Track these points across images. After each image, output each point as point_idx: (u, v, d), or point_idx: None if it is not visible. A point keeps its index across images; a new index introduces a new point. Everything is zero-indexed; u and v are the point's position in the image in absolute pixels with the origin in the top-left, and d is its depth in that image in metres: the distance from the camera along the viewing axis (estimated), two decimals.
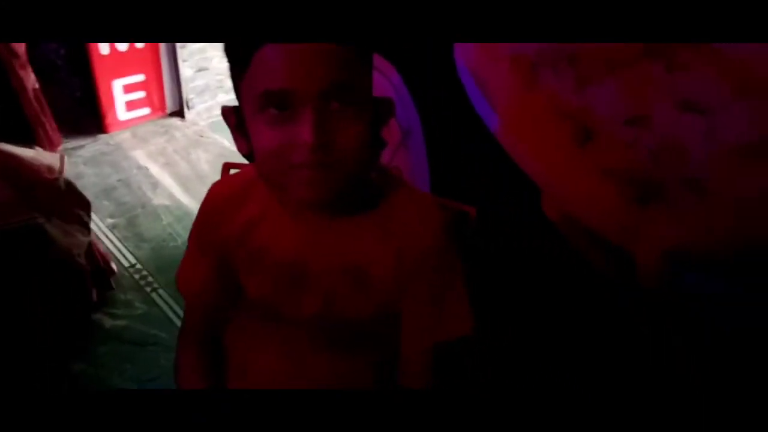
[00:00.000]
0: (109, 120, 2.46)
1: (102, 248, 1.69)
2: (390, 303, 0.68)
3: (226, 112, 0.63)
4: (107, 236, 1.91)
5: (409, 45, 1.10)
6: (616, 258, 0.85)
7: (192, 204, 2.08)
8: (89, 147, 2.36)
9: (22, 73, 1.57)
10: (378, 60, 1.18)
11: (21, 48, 1.60)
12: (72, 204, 1.42)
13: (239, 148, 0.64)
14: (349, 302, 0.67)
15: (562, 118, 0.81)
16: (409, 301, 0.68)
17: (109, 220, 1.97)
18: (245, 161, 0.65)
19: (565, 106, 0.80)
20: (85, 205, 1.46)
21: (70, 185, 1.40)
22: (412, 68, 1.13)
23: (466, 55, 0.96)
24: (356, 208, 0.66)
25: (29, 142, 1.41)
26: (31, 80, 1.55)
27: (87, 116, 2.45)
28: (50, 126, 1.49)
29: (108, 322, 1.59)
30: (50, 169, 1.36)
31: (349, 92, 0.57)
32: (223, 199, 0.72)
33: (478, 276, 0.84)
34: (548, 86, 0.83)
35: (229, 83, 0.64)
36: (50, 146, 1.49)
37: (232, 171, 0.92)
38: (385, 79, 1.17)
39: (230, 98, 2.45)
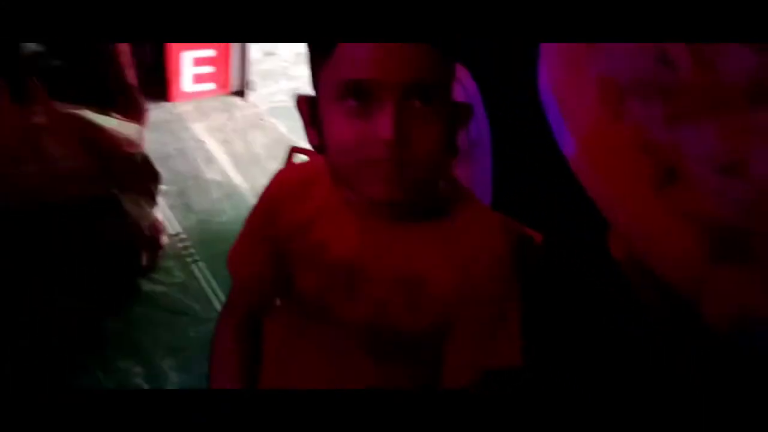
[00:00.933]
0: (174, 89, 2.50)
1: (160, 219, 1.71)
2: (442, 320, 0.65)
3: (301, 101, 0.62)
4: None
5: (490, 52, 1.07)
6: (679, 307, 0.81)
7: (242, 183, 2.10)
8: (152, 113, 2.39)
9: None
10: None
11: None
12: (145, 177, 1.46)
13: (310, 140, 0.62)
14: (401, 314, 0.65)
15: (647, 153, 0.77)
16: (462, 324, 0.65)
17: (162, 187, 2.01)
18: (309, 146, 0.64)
19: (652, 141, 0.77)
20: (155, 179, 1.49)
21: (145, 158, 1.43)
22: (489, 78, 1.10)
23: (551, 73, 0.93)
24: (421, 216, 0.64)
25: (112, 107, 1.43)
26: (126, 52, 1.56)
27: (153, 83, 2.51)
28: (139, 96, 1.52)
29: (146, 286, 1.61)
30: (129, 142, 1.40)
31: (432, 91, 0.55)
32: (286, 188, 0.71)
33: (532, 306, 0.81)
34: (635, 117, 0.79)
35: (293, 71, 0.63)
36: (137, 117, 1.50)
37: (297, 155, 0.91)
38: (459, 85, 1.15)
39: (292, 86, 2.48)
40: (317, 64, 0.58)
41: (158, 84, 2.49)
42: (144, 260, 1.59)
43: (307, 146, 0.66)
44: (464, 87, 1.11)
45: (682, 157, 0.74)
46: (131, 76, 1.48)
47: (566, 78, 0.88)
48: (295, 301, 0.71)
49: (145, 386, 1.36)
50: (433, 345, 0.67)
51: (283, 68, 2.88)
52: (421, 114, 0.55)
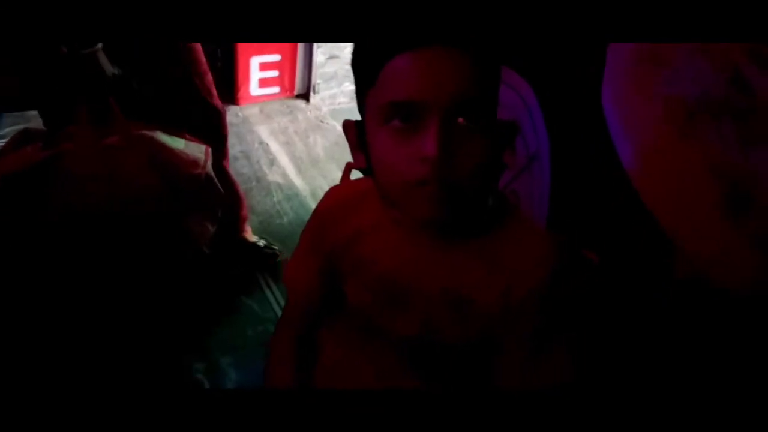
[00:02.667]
0: (241, 93, 2.59)
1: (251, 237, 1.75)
2: (488, 336, 0.65)
3: (347, 125, 0.63)
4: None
5: (551, 65, 1.05)
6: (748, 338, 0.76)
7: (302, 185, 2.15)
8: None
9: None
10: (513, 77, 1.14)
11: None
12: (209, 197, 1.50)
13: (357, 163, 0.64)
14: (447, 329, 0.65)
15: (717, 176, 0.73)
16: (510, 341, 0.65)
17: None
18: None
19: (723, 164, 0.72)
20: (219, 199, 1.53)
21: (210, 179, 1.46)
22: (550, 91, 1.07)
23: (615, 88, 0.90)
24: (468, 234, 0.64)
25: (181, 128, 1.47)
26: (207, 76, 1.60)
27: (223, 87, 2.60)
28: (217, 102, 1.57)
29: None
30: (195, 163, 1.43)
31: (476, 108, 0.55)
32: (339, 204, 0.72)
33: (588, 328, 0.78)
34: (706, 138, 0.75)
35: None
36: (216, 138, 1.54)
37: (354, 171, 0.93)
38: (519, 98, 1.12)
39: (354, 89, 2.43)
40: (363, 88, 0.60)
41: (228, 87, 2.59)
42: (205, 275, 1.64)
43: None
44: (524, 100, 1.09)
45: (757, 183, 0.70)
46: (209, 88, 1.53)
47: (631, 93, 0.85)
48: (347, 314, 0.72)
49: (206, 382, 1.42)
50: (480, 363, 0.67)
51: (346, 71, 2.92)
52: (466, 131, 0.55)
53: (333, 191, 0.74)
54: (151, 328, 1.50)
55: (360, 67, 0.60)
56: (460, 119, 0.54)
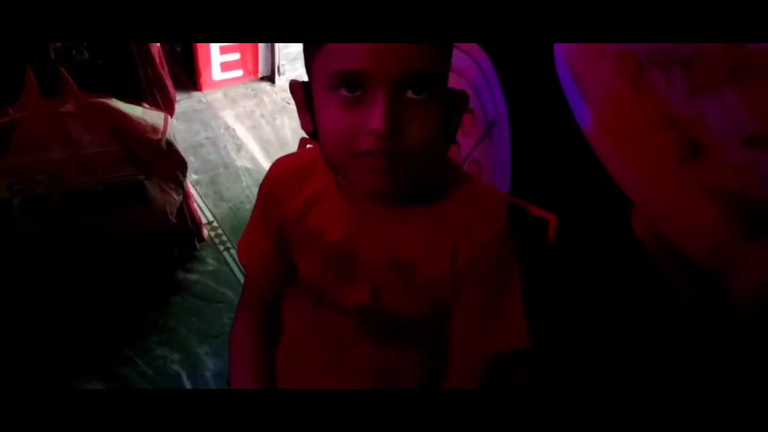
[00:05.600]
0: (203, 78, 2.53)
1: (196, 210, 1.75)
2: (439, 302, 0.65)
3: (294, 86, 0.62)
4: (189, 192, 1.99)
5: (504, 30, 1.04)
6: (704, 286, 0.77)
7: None
8: (183, 103, 2.44)
9: None
10: (468, 44, 1.12)
11: None
12: (171, 164, 1.49)
13: (303, 126, 0.62)
14: (397, 297, 0.65)
15: (668, 127, 0.73)
16: (460, 305, 0.65)
17: (194, 176, 2.05)
18: None
19: (673, 114, 0.72)
20: (182, 166, 1.52)
21: (171, 146, 1.46)
22: (504, 54, 1.06)
23: (566, 47, 0.89)
24: (415, 201, 0.63)
25: (138, 99, 1.47)
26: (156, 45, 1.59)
27: (183, 73, 2.54)
28: (170, 87, 1.55)
29: (181, 275, 1.66)
30: (155, 129, 1.43)
31: (425, 81, 0.54)
32: (285, 175, 0.71)
33: (547, 289, 0.78)
34: (655, 90, 0.75)
35: None
36: (168, 107, 1.54)
37: (308, 146, 0.91)
38: (474, 64, 1.11)
39: None
40: (310, 54, 0.58)
41: (188, 74, 2.53)
42: (174, 248, 1.63)
43: None
44: (479, 65, 1.08)
45: (706, 130, 0.70)
46: (161, 67, 1.51)
47: (582, 51, 0.84)
48: (301, 287, 0.72)
49: (183, 372, 1.41)
50: (435, 330, 0.67)
51: None
52: (414, 104, 0.54)
53: (278, 163, 0.73)
54: (115, 310, 1.49)
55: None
56: (408, 91, 0.53)
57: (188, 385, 1.38)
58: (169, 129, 1.47)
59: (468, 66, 1.11)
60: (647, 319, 0.85)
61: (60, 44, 1.36)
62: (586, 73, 0.85)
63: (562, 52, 0.89)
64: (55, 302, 1.47)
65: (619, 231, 0.84)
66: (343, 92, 0.54)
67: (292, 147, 2.26)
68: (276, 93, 2.59)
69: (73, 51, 1.40)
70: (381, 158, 0.54)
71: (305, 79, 0.61)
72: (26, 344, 1.40)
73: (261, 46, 2.59)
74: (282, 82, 2.65)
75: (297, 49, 2.83)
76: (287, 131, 2.35)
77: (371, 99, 0.53)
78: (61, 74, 1.32)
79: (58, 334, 1.44)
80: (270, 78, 2.67)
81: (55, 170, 1.35)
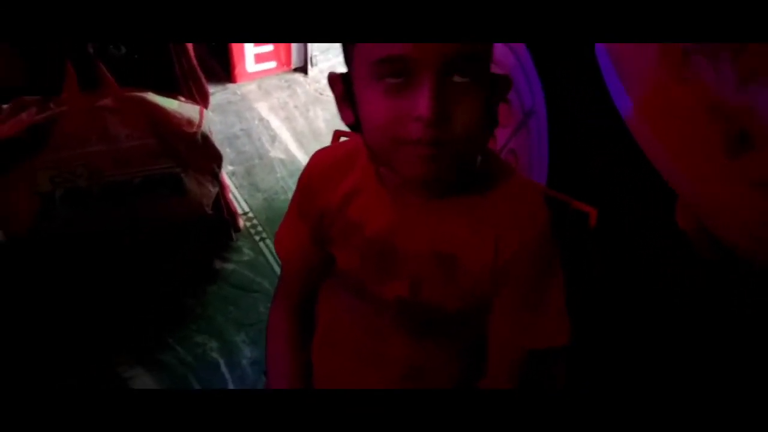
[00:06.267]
0: (238, 71, 2.56)
1: (231, 201, 1.78)
2: (480, 297, 0.64)
3: (333, 78, 0.61)
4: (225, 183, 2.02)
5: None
6: (754, 284, 0.74)
7: (305, 160, 2.12)
8: (218, 95, 2.48)
9: None
10: None
11: None
12: (206, 156, 1.51)
13: (344, 118, 0.62)
14: (437, 290, 0.64)
15: (715, 117, 0.70)
16: (501, 299, 0.64)
17: (229, 168, 2.08)
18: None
19: (721, 104, 0.69)
20: (217, 158, 1.55)
21: (206, 138, 1.48)
22: (543, 44, 1.04)
23: None
24: (457, 192, 0.62)
25: (174, 92, 1.50)
26: None
27: (218, 65, 2.57)
28: (203, 81, 1.57)
29: (218, 264, 1.69)
30: (190, 122, 1.45)
31: (471, 64, 0.53)
32: (324, 167, 0.71)
33: (587, 284, 0.77)
34: (702, 78, 0.72)
35: None
36: (203, 99, 1.56)
37: (342, 139, 0.91)
38: (511, 52, 1.09)
39: None
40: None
41: (223, 66, 2.56)
42: (211, 238, 1.67)
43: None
44: (517, 55, 1.06)
45: (757, 121, 0.67)
46: (195, 60, 1.53)
47: None
48: (339, 279, 0.72)
49: (221, 360, 1.44)
50: (471, 324, 0.66)
51: None
52: (459, 89, 0.53)
53: (318, 155, 0.73)
54: (155, 299, 1.53)
55: None
56: (455, 75, 0.52)
57: (226, 373, 1.41)
58: (204, 122, 1.49)
59: (504, 54, 1.09)
60: (692, 317, 0.82)
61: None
62: (628, 60, 0.82)
63: None
64: (97, 291, 1.52)
65: (662, 224, 0.82)
66: (388, 79, 0.53)
67: (326, 138, 2.27)
68: (309, 84, 2.60)
69: (111, 46, 1.44)
70: (427, 145, 0.53)
71: (338, 70, 0.60)
72: (72, 332, 1.46)
73: None
74: (314, 73, 2.65)
75: None
76: (320, 122, 2.36)
77: (417, 84, 0.52)
78: (99, 69, 1.35)
79: (102, 323, 1.49)
80: (303, 69, 2.68)
81: (93, 163, 1.38)
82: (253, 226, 1.85)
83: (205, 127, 1.48)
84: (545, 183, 1.03)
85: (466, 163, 0.58)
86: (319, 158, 0.72)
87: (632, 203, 0.88)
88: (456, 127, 0.53)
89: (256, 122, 2.35)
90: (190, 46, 1.51)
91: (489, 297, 0.64)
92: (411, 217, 0.64)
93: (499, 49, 1.11)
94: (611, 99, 0.86)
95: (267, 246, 1.77)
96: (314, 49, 2.64)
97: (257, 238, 1.80)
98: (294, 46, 2.63)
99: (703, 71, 0.71)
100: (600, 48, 0.85)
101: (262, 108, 2.44)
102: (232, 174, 2.05)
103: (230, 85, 2.55)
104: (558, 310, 0.63)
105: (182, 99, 1.50)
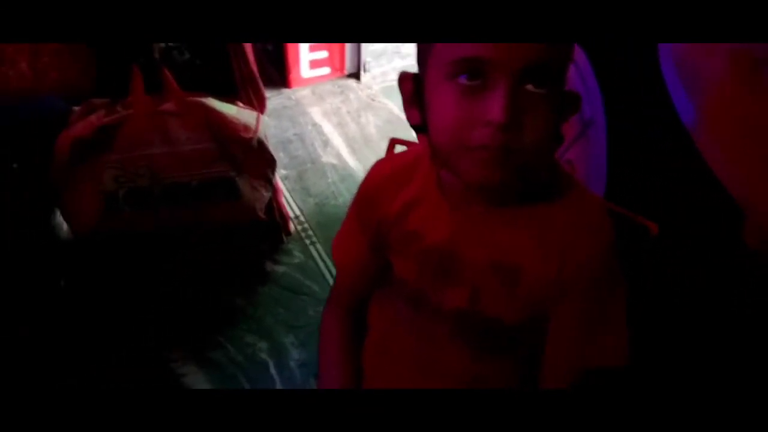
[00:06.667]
0: (293, 76, 2.61)
1: (284, 204, 1.81)
2: (539, 309, 0.63)
3: (404, 78, 0.60)
4: (278, 186, 2.06)
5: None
6: None
7: (356, 165, 2.16)
8: (273, 100, 2.53)
9: None
10: None
11: None
12: (261, 162, 1.55)
13: (410, 119, 0.61)
14: (497, 301, 0.64)
15: None
16: (561, 314, 0.62)
17: (282, 172, 2.12)
18: (411, 137, 0.63)
19: None
20: (271, 163, 1.58)
21: (261, 144, 1.52)
22: (603, 52, 1.01)
23: (673, 44, 0.83)
24: (519, 202, 0.61)
25: (233, 97, 1.55)
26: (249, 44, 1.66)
27: (274, 71, 2.63)
28: (261, 87, 1.62)
29: (269, 266, 1.73)
30: (247, 128, 1.49)
31: (547, 75, 0.52)
32: (384, 177, 0.71)
33: (646, 303, 0.74)
34: None
35: (406, 49, 0.61)
36: (260, 104, 1.61)
37: (398, 147, 0.91)
38: (572, 63, 1.07)
39: (405, 64, 2.45)
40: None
41: (279, 71, 2.61)
42: (263, 241, 1.70)
43: (407, 135, 0.65)
44: (576, 64, 1.03)
45: None
46: (254, 66, 1.57)
47: (690, 47, 0.79)
48: (394, 287, 0.72)
49: (270, 361, 1.46)
50: (531, 339, 0.65)
51: (394, 47, 2.88)
52: (533, 99, 0.52)
53: (378, 165, 0.73)
54: (207, 298, 1.57)
55: None
56: (530, 84, 0.52)
57: (275, 374, 1.43)
58: (260, 128, 1.53)
59: None
60: (761, 338, 0.78)
61: (163, 45, 1.46)
62: (695, 70, 0.79)
63: (667, 47, 0.83)
64: (153, 289, 1.58)
65: (728, 240, 0.78)
66: (463, 80, 0.52)
67: (377, 144, 2.29)
68: (361, 90, 2.62)
69: (175, 51, 1.50)
70: (495, 151, 0.52)
71: (389, 76, 0.60)
72: (130, 328, 1.52)
73: (347, 43, 2.63)
74: (367, 79, 2.68)
75: (381, 46, 2.85)
76: (372, 128, 2.37)
77: (491, 88, 0.51)
78: (164, 74, 1.41)
79: (157, 320, 1.54)
80: (356, 75, 2.71)
81: (155, 165, 1.44)
82: (304, 230, 1.87)
83: (261, 133, 1.52)
84: (603, 195, 1.00)
85: (530, 174, 0.57)
86: (378, 169, 0.73)
87: (696, 220, 0.84)
88: (526, 136, 0.52)
89: (310, 127, 2.38)
90: (249, 52, 1.55)
91: (548, 310, 0.62)
92: (471, 226, 0.63)
93: None
94: (674, 109, 0.83)
95: (317, 250, 1.80)
96: (367, 55, 2.66)
97: (307, 241, 1.83)
98: (347, 52, 2.67)
99: None
100: (664, 56, 0.83)
101: (316, 113, 2.48)
102: (285, 178, 2.09)
103: (285, 90, 2.60)
104: (619, 328, 0.61)
105: (240, 104, 1.55)
